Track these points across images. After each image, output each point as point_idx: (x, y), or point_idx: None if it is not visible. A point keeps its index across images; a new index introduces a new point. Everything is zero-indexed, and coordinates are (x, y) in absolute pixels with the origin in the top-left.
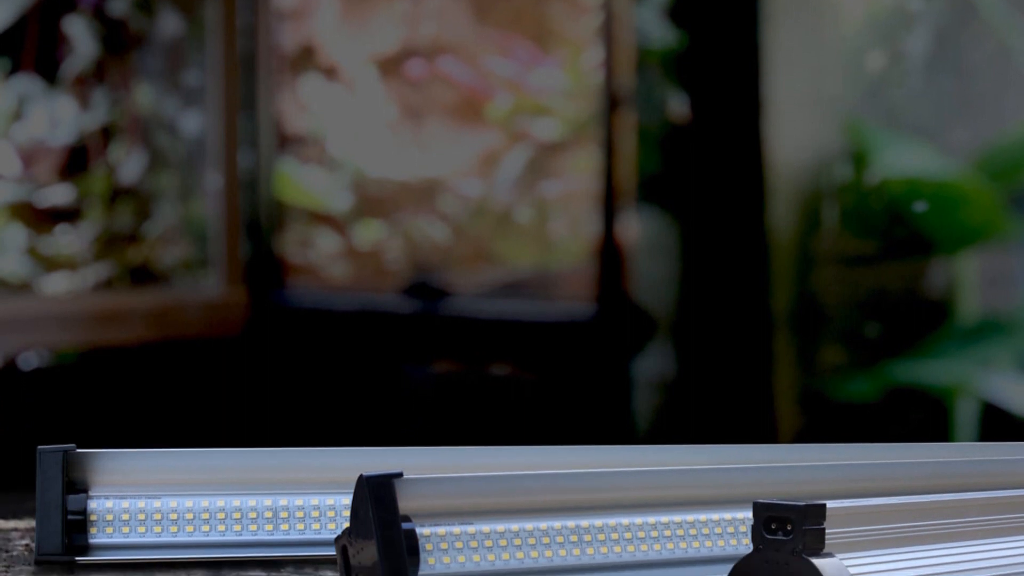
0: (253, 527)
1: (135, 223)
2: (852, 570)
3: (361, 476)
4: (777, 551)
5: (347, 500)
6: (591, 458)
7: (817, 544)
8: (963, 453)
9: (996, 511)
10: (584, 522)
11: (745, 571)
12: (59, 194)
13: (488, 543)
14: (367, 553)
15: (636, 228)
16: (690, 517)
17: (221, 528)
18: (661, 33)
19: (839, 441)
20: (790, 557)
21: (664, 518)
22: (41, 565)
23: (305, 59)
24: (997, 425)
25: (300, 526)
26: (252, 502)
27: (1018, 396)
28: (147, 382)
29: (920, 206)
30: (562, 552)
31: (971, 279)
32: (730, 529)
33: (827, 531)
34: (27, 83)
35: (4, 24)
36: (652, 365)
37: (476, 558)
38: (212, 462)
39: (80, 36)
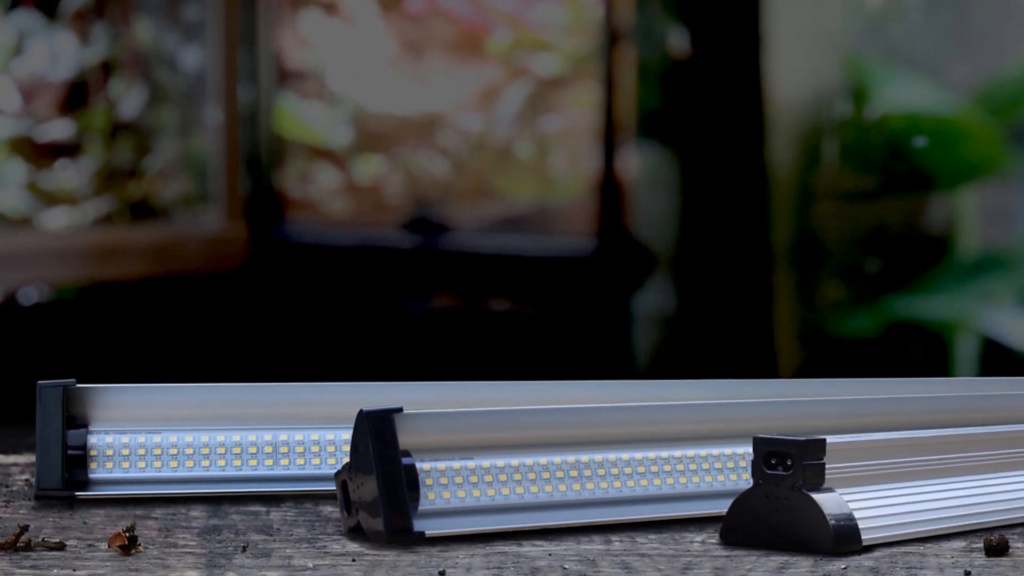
0: (253, 462)
1: (135, 158)
2: (851, 505)
3: (361, 411)
4: (777, 486)
5: (347, 435)
6: (591, 393)
7: (817, 479)
8: (963, 388)
9: (996, 446)
10: (584, 457)
11: (745, 506)
12: (59, 129)
13: (488, 478)
14: (367, 488)
15: (636, 163)
16: (690, 452)
17: (221, 463)
18: None
19: (839, 376)
20: (790, 492)
21: (664, 453)
22: (41, 500)
23: None
24: (997, 360)
25: (300, 461)
26: (252, 437)
27: (1017, 331)
28: (147, 317)
29: (920, 141)
30: (562, 487)
31: (971, 214)
32: (730, 464)
33: (827, 466)
34: (27, 18)
35: None
36: (652, 300)
37: (476, 493)
38: (212, 397)
39: None
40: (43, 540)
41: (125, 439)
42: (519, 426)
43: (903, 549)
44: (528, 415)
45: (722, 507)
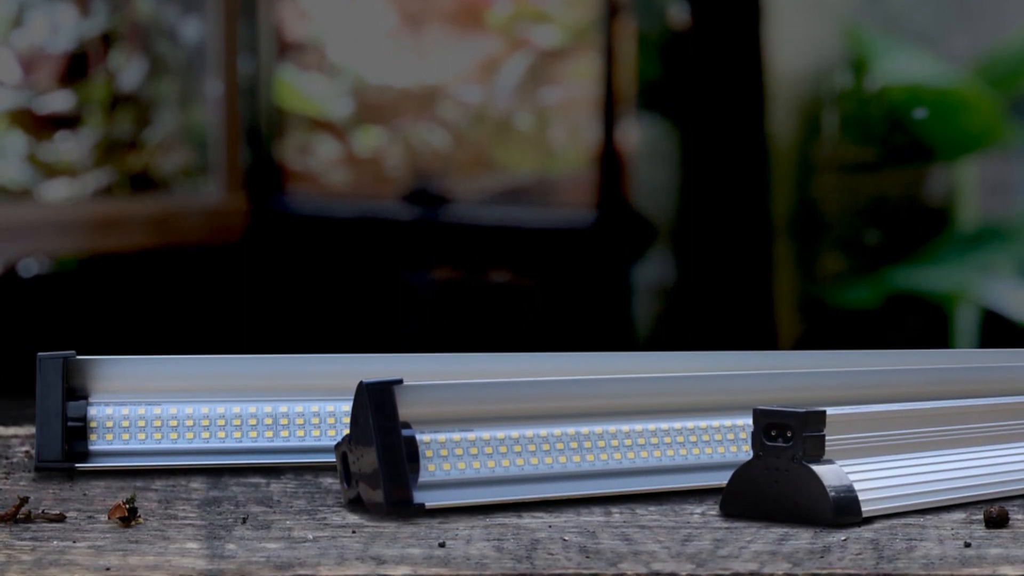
0: (253, 434)
1: (135, 130)
2: (851, 476)
3: (361, 383)
4: (777, 458)
5: (347, 407)
6: (591, 365)
7: (817, 451)
8: (963, 360)
9: (996, 418)
10: (584, 429)
11: (745, 477)
12: (59, 101)
13: (488, 450)
14: (367, 460)
15: (636, 135)
16: (690, 424)
17: (221, 435)
18: None
19: (839, 348)
20: (790, 464)
21: (664, 425)
22: (41, 472)
23: None
24: (996, 332)
25: (300, 433)
26: (252, 409)
27: (1017, 303)
28: (147, 289)
29: (920, 113)
30: (562, 459)
31: (971, 186)
32: (730, 436)
33: (827, 438)
34: None
35: None
36: (652, 272)
37: (476, 464)
38: (212, 369)
39: None
40: (43, 512)
41: (125, 411)
42: (519, 398)
43: (903, 521)
44: (528, 387)
45: (722, 479)
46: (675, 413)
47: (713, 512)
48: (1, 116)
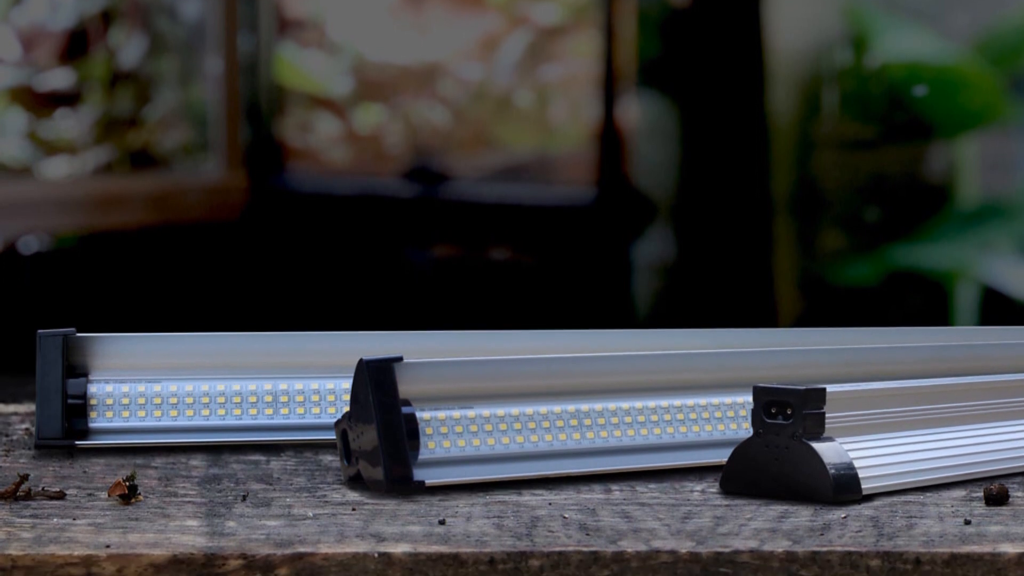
0: (253, 411)
1: (135, 107)
2: (851, 454)
3: (361, 360)
4: (777, 435)
5: (347, 384)
6: (590, 342)
7: (817, 428)
8: (963, 337)
9: (996, 395)
10: (584, 406)
11: (745, 455)
12: (59, 78)
13: (488, 427)
14: (367, 437)
15: (636, 112)
16: (690, 401)
17: (221, 412)
18: None
19: (839, 325)
20: (790, 441)
21: (664, 402)
22: (41, 449)
23: None
24: (996, 309)
25: (300, 410)
26: (252, 386)
27: (1018, 280)
28: (147, 266)
29: (920, 90)
30: (562, 436)
31: (971, 163)
32: (730, 413)
33: (827, 415)
34: None
35: None
36: (652, 249)
37: (476, 442)
38: (212, 346)
39: None
40: (43, 489)
41: (125, 388)
42: (519, 375)
43: (903, 498)
44: (528, 364)
45: (722, 456)
46: (675, 391)
47: (713, 489)
48: (1, 93)
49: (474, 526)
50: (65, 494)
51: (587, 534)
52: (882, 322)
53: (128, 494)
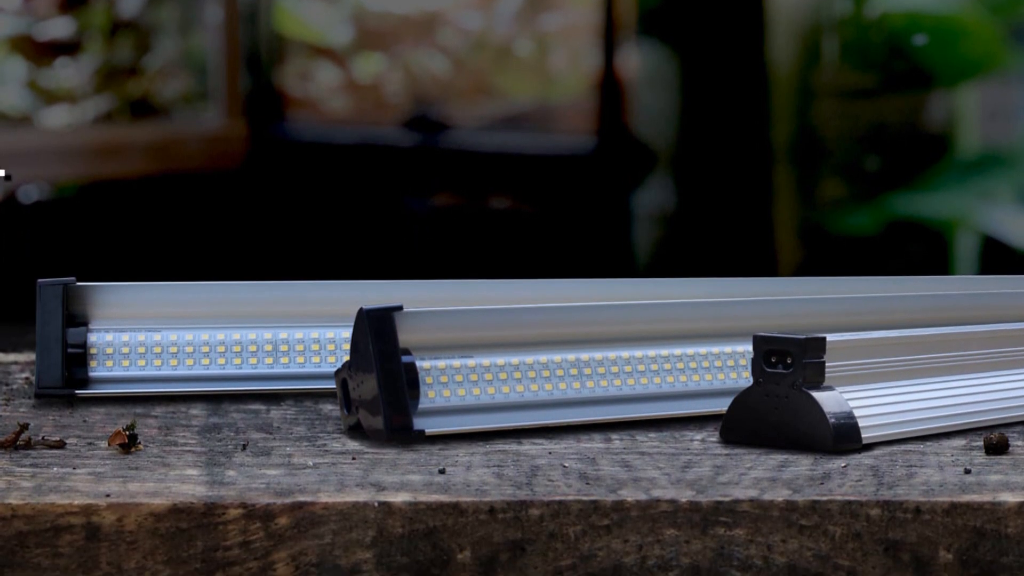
0: (253, 360)
1: (135, 56)
2: (851, 403)
3: (361, 309)
4: (777, 384)
5: (347, 333)
6: (590, 291)
7: (817, 377)
8: (963, 286)
9: (995, 344)
10: (584, 355)
11: (745, 404)
12: (59, 27)
13: (488, 376)
14: (367, 386)
15: (636, 61)
16: (690, 350)
17: (221, 361)
18: None
19: (839, 274)
20: (790, 390)
21: (664, 351)
22: (41, 398)
23: None
24: (996, 258)
25: (300, 359)
26: (252, 335)
27: (1017, 229)
28: (147, 215)
29: (920, 39)
30: (562, 385)
31: (971, 112)
32: (730, 362)
33: (827, 364)
34: None
35: None
36: (652, 198)
37: (476, 391)
38: (212, 295)
39: None
40: (43, 438)
41: (125, 337)
42: (519, 324)
43: (903, 447)
44: (528, 313)
45: (722, 405)
46: (675, 339)
47: (713, 439)
48: (1, 42)
49: (474, 475)
50: (65, 443)
51: (587, 483)
52: (882, 271)
53: (128, 443)
